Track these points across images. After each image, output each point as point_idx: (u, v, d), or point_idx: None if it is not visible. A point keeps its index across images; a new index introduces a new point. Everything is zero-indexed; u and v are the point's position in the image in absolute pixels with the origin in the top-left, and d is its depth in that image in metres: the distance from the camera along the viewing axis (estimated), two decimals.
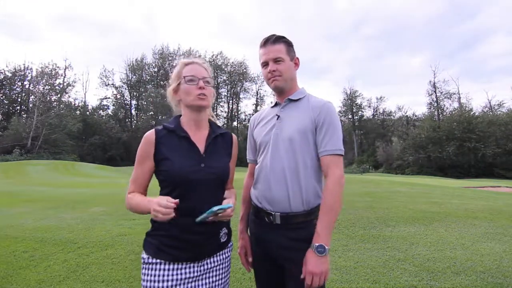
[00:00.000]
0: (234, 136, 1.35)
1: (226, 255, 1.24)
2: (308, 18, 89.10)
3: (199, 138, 1.20)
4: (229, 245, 1.27)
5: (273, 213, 1.26)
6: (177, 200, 1.02)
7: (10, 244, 3.70)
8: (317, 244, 1.14)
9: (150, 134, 1.17)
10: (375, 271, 2.91)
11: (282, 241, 1.25)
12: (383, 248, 3.54)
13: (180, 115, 1.25)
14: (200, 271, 1.13)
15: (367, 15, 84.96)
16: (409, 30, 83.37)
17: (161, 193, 1.15)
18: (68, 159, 31.79)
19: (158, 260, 1.09)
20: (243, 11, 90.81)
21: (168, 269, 1.08)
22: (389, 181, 12.05)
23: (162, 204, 1.00)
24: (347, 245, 3.68)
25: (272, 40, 1.31)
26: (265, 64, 1.33)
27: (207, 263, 1.15)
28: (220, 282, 1.19)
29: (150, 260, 1.10)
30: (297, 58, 1.38)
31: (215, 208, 1.05)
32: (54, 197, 7.95)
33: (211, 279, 1.16)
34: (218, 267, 1.19)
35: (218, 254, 1.20)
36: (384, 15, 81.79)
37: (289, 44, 1.34)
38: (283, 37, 1.34)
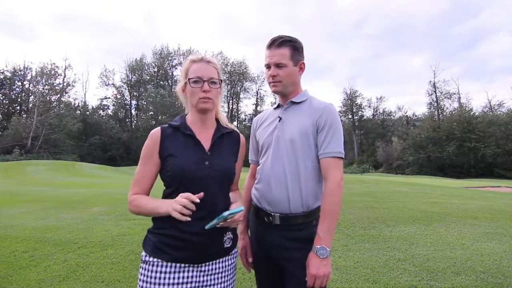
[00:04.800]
0: (242, 137, 1.30)
1: (231, 261, 1.17)
2: (309, 17, 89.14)
3: (205, 137, 1.17)
4: (233, 251, 1.20)
5: (272, 213, 1.26)
6: (200, 194, 1.01)
7: (10, 244, 3.70)
8: (318, 246, 1.14)
9: (156, 131, 1.15)
10: (375, 271, 2.91)
11: (281, 241, 1.25)
12: (383, 248, 3.54)
13: (186, 114, 1.24)
14: (200, 276, 1.07)
15: (369, 14, 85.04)
16: (411, 29, 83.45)
17: (166, 192, 1.15)
18: (68, 159, 31.81)
19: (155, 260, 1.05)
20: (243, 11, 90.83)
21: (165, 272, 1.04)
22: (389, 181, 12.05)
23: (182, 202, 0.99)
24: (347, 245, 3.68)
25: (278, 43, 1.28)
26: (268, 67, 1.32)
27: (208, 269, 1.09)
28: None
29: (147, 259, 1.07)
30: (303, 63, 1.33)
31: (225, 213, 1.01)
32: (54, 197, 7.95)
33: (214, 287, 1.09)
34: (221, 274, 1.12)
35: (221, 260, 1.13)
36: (385, 14, 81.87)
37: (295, 48, 1.29)
38: (290, 40, 1.29)
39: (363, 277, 2.78)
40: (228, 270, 1.15)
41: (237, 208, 1.04)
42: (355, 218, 4.95)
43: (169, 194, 1.12)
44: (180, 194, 1.02)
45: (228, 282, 1.14)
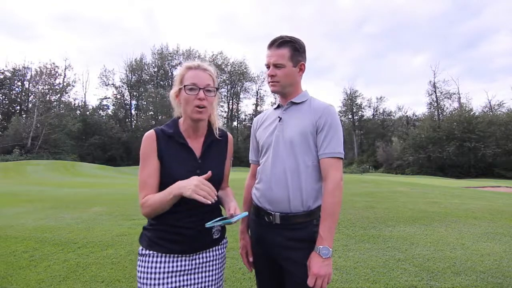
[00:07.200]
0: (230, 136, 1.34)
1: (220, 251, 1.24)
2: (309, 16, 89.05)
3: (197, 144, 1.20)
4: (223, 241, 1.27)
5: (273, 213, 1.27)
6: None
7: (10, 244, 3.70)
8: (321, 247, 1.15)
9: (150, 133, 1.17)
10: (375, 271, 2.91)
11: (281, 241, 1.25)
12: (383, 248, 3.55)
13: (179, 117, 1.24)
14: (192, 264, 1.15)
15: (369, 14, 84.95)
16: (411, 29, 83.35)
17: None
18: (68, 159, 31.78)
19: (151, 252, 1.13)
20: (244, 10, 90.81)
21: (161, 261, 1.12)
22: (389, 181, 12.06)
23: (206, 190, 1.00)
24: (347, 245, 3.68)
25: (278, 43, 1.28)
26: (267, 67, 1.33)
27: (199, 258, 1.17)
28: (214, 277, 1.20)
29: (144, 252, 1.14)
30: (303, 64, 1.33)
31: (233, 220, 1.04)
32: (54, 197, 7.95)
33: (204, 274, 1.18)
34: (211, 263, 1.20)
35: (211, 250, 1.21)
36: (386, 13, 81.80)
37: (295, 49, 1.29)
38: (291, 41, 1.29)
39: (363, 277, 2.78)
40: (217, 259, 1.23)
41: (243, 214, 1.08)
42: (355, 218, 4.95)
43: None
44: (199, 179, 1.02)
45: (218, 270, 1.23)
